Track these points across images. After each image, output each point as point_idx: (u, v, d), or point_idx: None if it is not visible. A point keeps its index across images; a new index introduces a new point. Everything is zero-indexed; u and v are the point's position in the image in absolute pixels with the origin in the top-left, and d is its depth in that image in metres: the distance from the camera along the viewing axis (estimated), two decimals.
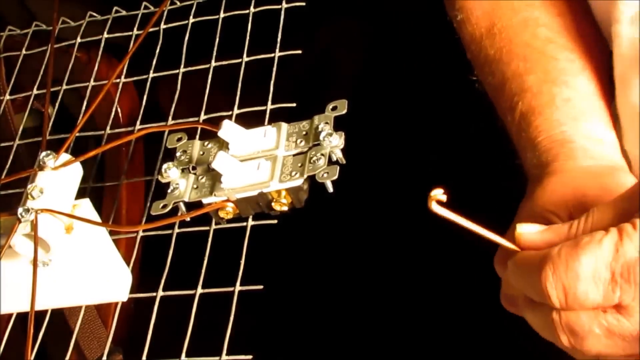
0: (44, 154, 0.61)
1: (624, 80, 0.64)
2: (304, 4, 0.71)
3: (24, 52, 0.83)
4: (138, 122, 0.73)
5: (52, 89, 0.72)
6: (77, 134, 0.65)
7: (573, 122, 0.62)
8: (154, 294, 0.61)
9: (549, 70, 0.64)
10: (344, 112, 0.59)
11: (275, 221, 0.60)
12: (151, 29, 0.71)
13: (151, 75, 0.74)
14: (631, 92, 0.63)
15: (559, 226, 0.50)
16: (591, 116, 0.62)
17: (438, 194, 0.48)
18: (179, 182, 0.60)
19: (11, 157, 0.75)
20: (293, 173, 0.57)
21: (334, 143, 0.57)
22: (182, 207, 0.60)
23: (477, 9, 0.68)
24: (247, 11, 0.73)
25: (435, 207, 0.48)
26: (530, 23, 0.66)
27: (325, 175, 0.56)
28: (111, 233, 0.62)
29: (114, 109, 0.76)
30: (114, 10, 0.81)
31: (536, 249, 0.50)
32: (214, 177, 0.59)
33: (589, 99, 0.63)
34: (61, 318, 0.76)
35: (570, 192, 0.56)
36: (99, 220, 0.61)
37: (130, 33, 0.78)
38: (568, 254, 0.46)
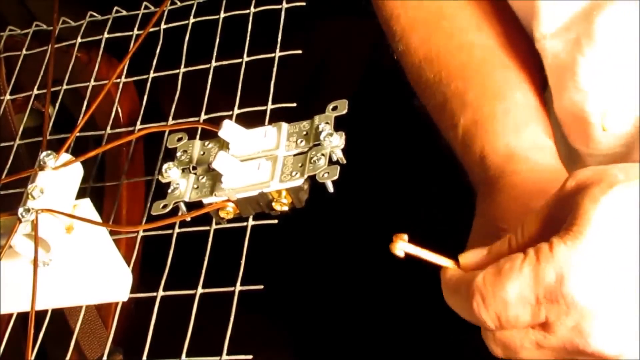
0: (44, 154, 0.61)
1: (556, 89, 0.68)
2: (304, 4, 0.71)
3: (24, 52, 0.83)
4: (138, 122, 0.73)
5: (52, 89, 0.72)
6: (77, 134, 0.65)
7: (514, 133, 0.65)
8: (154, 294, 0.61)
9: (486, 87, 0.68)
10: (345, 112, 0.59)
11: (275, 221, 0.60)
12: (151, 29, 0.71)
13: (151, 75, 0.74)
14: (563, 98, 0.67)
15: (498, 246, 0.52)
16: (530, 125, 0.66)
17: (403, 238, 0.52)
18: (179, 182, 0.60)
19: (11, 157, 0.75)
20: (293, 173, 0.57)
21: (335, 143, 0.57)
22: (183, 207, 0.60)
23: (415, 39, 0.72)
24: (247, 11, 0.73)
25: (400, 249, 0.51)
26: (466, 46, 0.70)
27: (326, 175, 0.56)
28: (111, 233, 0.62)
29: (114, 109, 0.76)
30: (114, 10, 0.81)
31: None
32: (215, 177, 0.59)
33: (527, 110, 0.67)
34: (61, 318, 0.76)
35: (519, 207, 0.58)
36: (99, 220, 0.61)
37: (130, 33, 0.78)
38: (493, 283, 0.48)
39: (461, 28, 0.72)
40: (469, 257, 0.52)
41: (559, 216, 0.49)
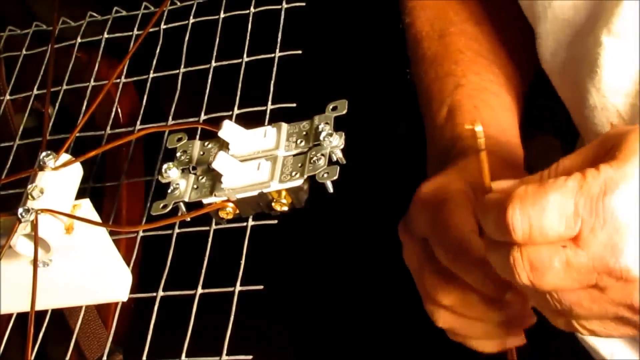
0: (44, 154, 0.61)
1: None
2: (304, 4, 0.71)
3: (24, 52, 0.83)
4: (138, 122, 0.73)
5: (52, 89, 0.72)
6: (77, 134, 0.65)
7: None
8: (154, 294, 0.61)
9: (474, 82, 0.74)
10: (344, 112, 0.59)
11: (275, 221, 0.60)
12: (151, 29, 0.71)
13: (151, 75, 0.74)
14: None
15: (530, 178, 0.52)
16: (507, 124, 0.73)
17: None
18: (179, 182, 0.60)
19: (11, 157, 0.75)
20: (293, 173, 0.57)
21: (334, 143, 0.57)
22: (182, 207, 0.60)
23: (422, 16, 0.79)
24: (247, 11, 0.73)
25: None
26: (465, 35, 0.77)
27: (326, 175, 0.56)
28: (111, 233, 0.62)
29: (114, 109, 0.76)
30: (114, 10, 0.81)
31: None
32: (214, 177, 0.59)
33: (507, 112, 0.74)
34: (61, 318, 0.76)
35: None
36: (99, 220, 0.61)
37: (130, 33, 0.78)
38: (534, 191, 0.48)
39: (464, 18, 0.78)
40: (502, 183, 0.52)
41: (597, 157, 0.50)
